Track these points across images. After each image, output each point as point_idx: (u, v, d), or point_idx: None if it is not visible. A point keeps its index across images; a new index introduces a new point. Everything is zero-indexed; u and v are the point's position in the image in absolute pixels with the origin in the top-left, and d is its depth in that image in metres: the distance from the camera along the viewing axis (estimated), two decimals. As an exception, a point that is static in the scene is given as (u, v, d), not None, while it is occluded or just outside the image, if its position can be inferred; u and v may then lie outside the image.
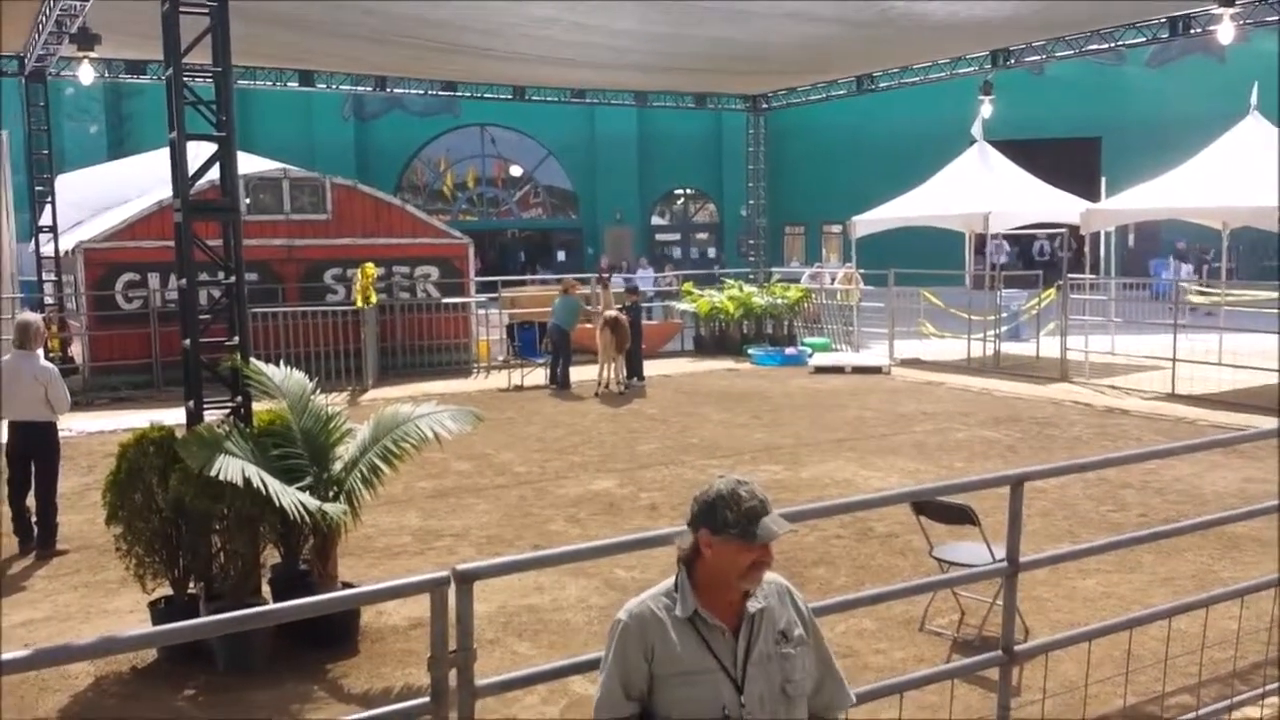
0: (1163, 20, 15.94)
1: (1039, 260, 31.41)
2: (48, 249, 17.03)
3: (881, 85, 20.87)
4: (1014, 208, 18.44)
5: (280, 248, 16.69)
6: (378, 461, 6.11)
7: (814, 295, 21.15)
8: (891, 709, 3.78)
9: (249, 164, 16.62)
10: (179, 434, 6.12)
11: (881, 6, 14.14)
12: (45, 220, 16.94)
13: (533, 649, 5.97)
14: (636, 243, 39.17)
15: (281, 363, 6.70)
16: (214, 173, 6.58)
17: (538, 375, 16.54)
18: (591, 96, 22.55)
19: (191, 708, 5.41)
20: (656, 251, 39.09)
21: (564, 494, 9.55)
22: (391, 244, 17.57)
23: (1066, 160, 30.47)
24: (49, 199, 16.89)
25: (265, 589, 6.27)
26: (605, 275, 18.98)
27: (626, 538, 3.95)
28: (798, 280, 23.33)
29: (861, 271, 20.86)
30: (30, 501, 8.10)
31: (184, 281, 6.36)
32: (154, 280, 15.84)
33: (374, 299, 16.33)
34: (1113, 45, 17.31)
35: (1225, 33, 14.96)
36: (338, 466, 6.20)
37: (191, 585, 6.15)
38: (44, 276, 17.30)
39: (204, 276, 6.80)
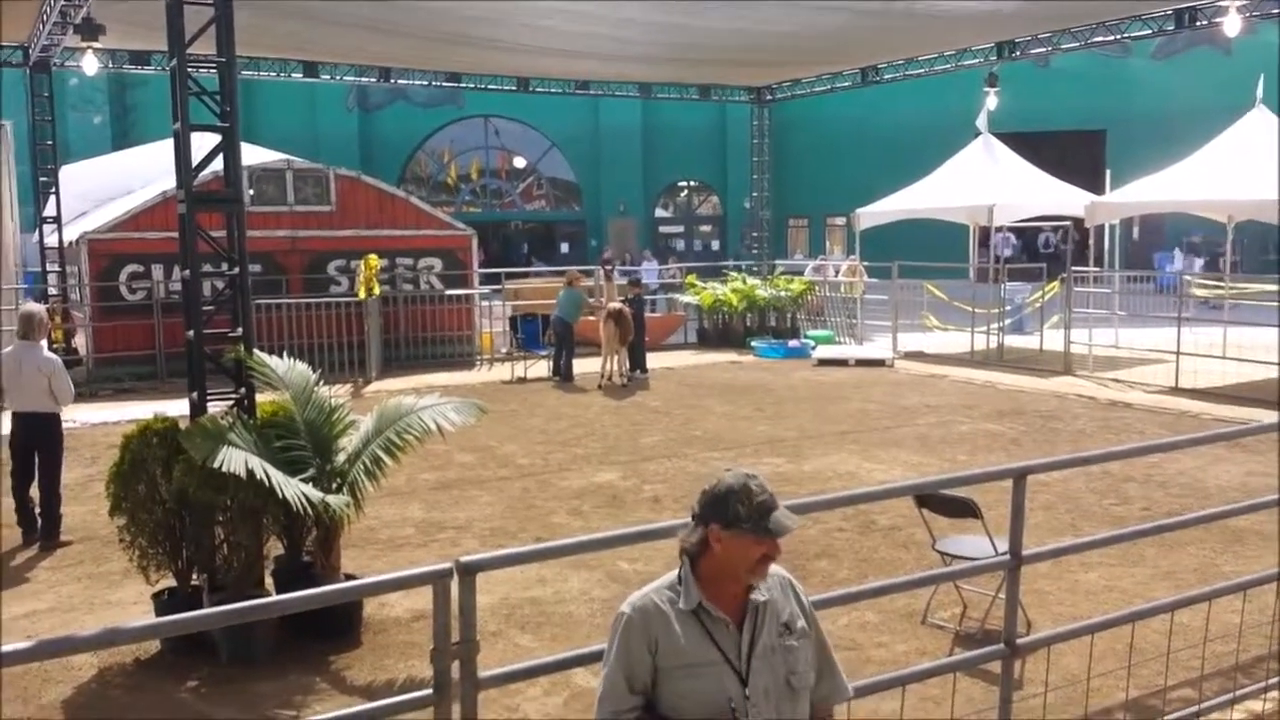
0: (1169, 12, 15.89)
1: (1043, 253, 31.43)
2: (51, 240, 17.03)
3: (886, 77, 20.81)
4: (1018, 200, 18.41)
5: (284, 239, 16.68)
6: (381, 453, 6.11)
7: (817, 288, 21.13)
8: (894, 701, 3.79)
9: (253, 155, 16.60)
10: (182, 425, 6.12)
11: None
12: (49, 211, 16.94)
13: (535, 641, 5.97)
14: (640, 235, 39.14)
15: (285, 354, 6.69)
16: (218, 164, 6.59)
17: (541, 367, 16.55)
18: (595, 88, 22.51)
19: (194, 699, 5.42)
20: (660, 244, 39.07)
21: (567, 486, 9.56)
22: (395, 235, 17.56)
23: (1071, 153, 30.45)
24: (53, 190, 16.89)
25: (268, 581, 6.28)
26: (609, 267, 18.95)
27: (629, 530, 3.96)
28: (801, 273, 23.31)
29: (865, 264, 20.83)
30: (34, 493, 8.12)
31: (188, 273, 6.36)
32: (158, 271, 15.83)
33: (377, 290, 16.33)
34: (1118, 37, 17.24)
35: (1231, 25, 14.91)
36: (341, 458, 6.21)
37: (195, 577, 6.16)
38: (48, 267, 17.30)
39: (208, 268, 6.80)
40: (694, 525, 2.66)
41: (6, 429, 8.18)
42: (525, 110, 35.94)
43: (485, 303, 18.79)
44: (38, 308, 8.73)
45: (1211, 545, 7.44)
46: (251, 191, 15.73)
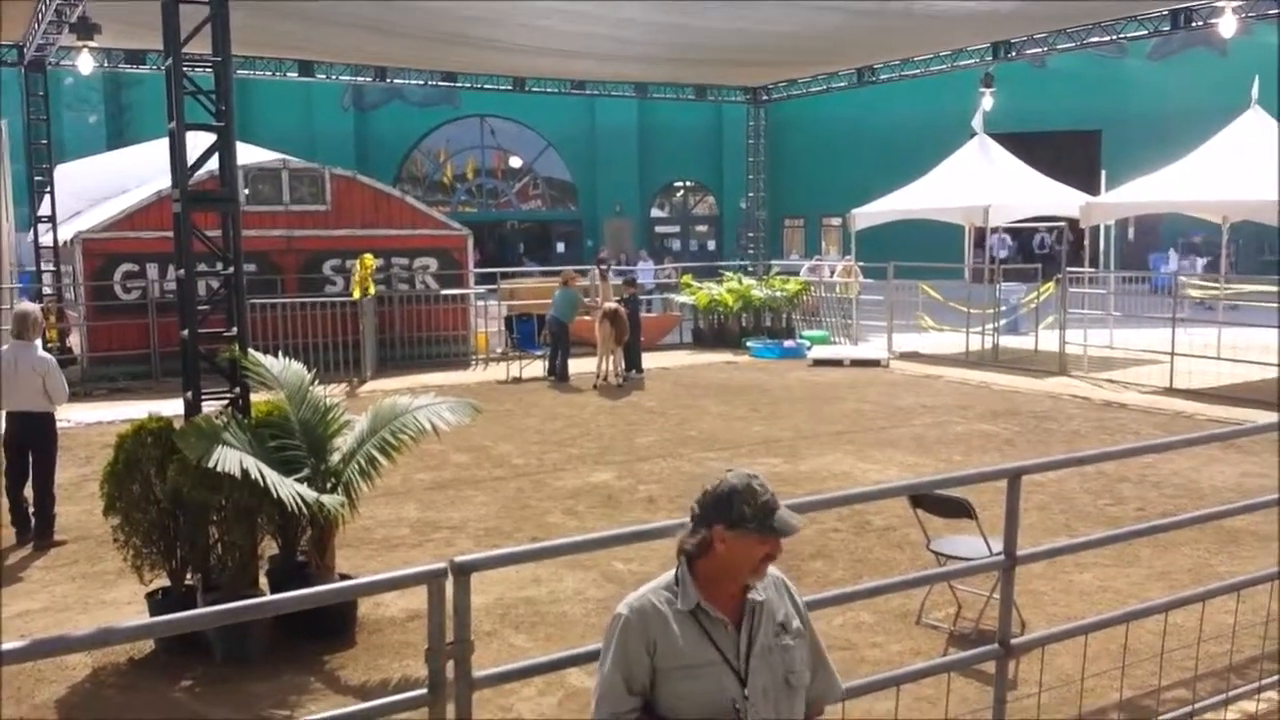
0: (1164, 13, 15.92)
1: (1038, 253, 31.44)
2: (46, 239, 17.00)
3: (882, 77, 20.84)
4: (1014, 201, 18.43)
5: (279, 238, 16.67)
6: (376, 453, 6.10)
7: (813, 288, 21.14)
8: (888, 702, 3.79)
9: (248, 154, 16.58)
10: (177, 425, 6.11)
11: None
12: (44, 210, 16.92)
13: (530, 641, 5.97)
14: (636, 235, 39.16)
15: (280, 354, 6.69)
16: (213, 163, 6.57)
17: (536, 367, 16.54)
18: (591, 88, 22.53)
19: (189, 699, 5.41)
20: (656, 244, 39.08)
21: (562, 486, 9.55)
22: (390, 235, 17.54)
23: (1067, 153, 30.51)
24: (48, 189, 16.86)
25: (263, 580, 6.26)
26: (604, 267, 18.96)
27: (624, 530, 3.95)
28: (797, 273, 23.31)
29: (861, 264, 20.84)
30: (28, 492, 8.10)
31: (182, 272, 6.35)
32: (153, 271, 15.80)
33: (373, 290, 16.32)
34: (1114, 38, 17.26)
35: (1227, 26, 14.94)
36: (336, 458, 6.20)
37: (189, 576, 6.15)
38: (43, 267, 17.26)
39: (202, 267, 6.79)
40: (695, 526, 2.66)
41: (1, 428, 8.17)
42: (521, 110, 35.95)
43: (480, 302, 18.78)
44: (32, 307, 8.72)
45: (1206, 546, 7.45)
46: (247, 191, 15.71)
